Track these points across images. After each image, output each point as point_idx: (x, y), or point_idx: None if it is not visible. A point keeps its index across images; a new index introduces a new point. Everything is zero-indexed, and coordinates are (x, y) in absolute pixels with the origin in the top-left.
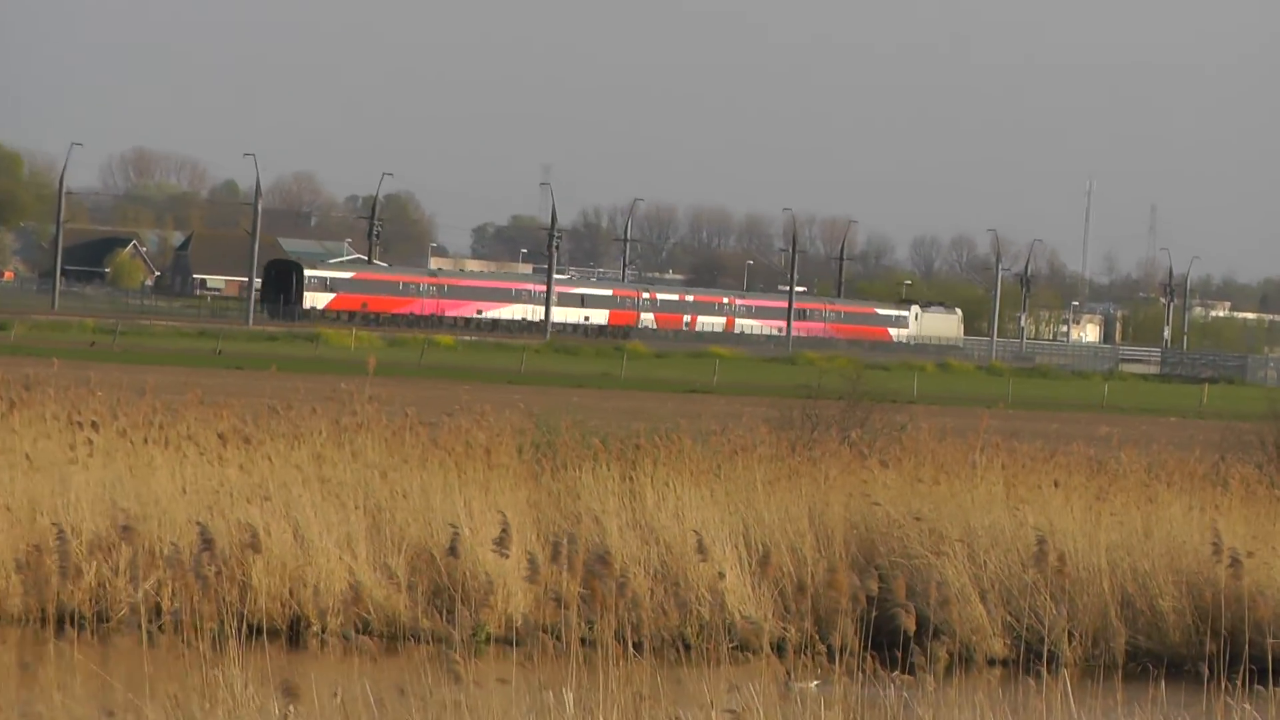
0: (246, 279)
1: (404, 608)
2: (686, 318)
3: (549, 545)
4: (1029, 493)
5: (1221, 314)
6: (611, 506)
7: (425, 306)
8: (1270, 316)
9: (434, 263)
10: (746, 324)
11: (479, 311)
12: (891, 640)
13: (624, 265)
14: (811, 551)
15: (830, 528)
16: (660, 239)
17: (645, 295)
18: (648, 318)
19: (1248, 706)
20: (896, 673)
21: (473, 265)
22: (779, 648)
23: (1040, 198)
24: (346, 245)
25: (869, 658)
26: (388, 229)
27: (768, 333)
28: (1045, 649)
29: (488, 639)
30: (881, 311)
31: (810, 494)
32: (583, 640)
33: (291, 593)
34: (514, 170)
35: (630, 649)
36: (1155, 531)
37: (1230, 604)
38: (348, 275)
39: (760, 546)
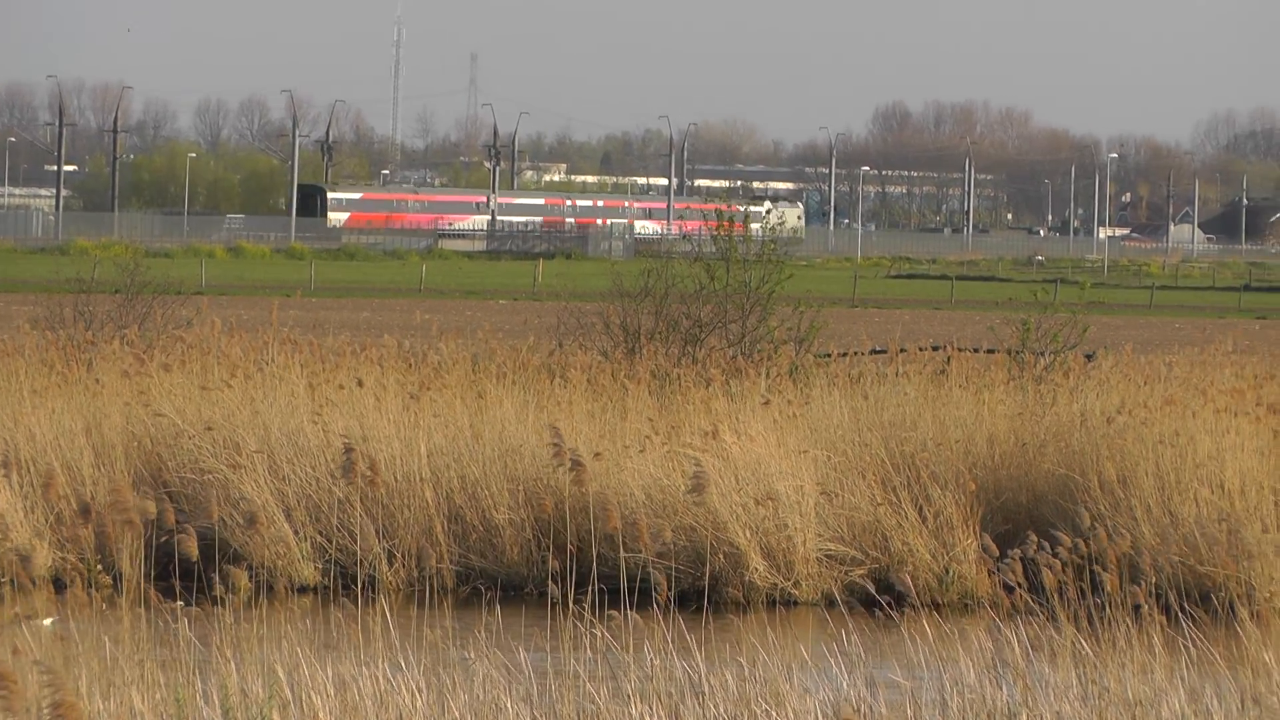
0: None
1: None
2: (599, 221)
3: None
4: (336, 394)
5: (558, 178)
6: None
7: (413, 221)
8: (613, 179)
9: None
10: (641, 225)
11: (450, 223)
12: (187, 568)
13: None
14: (91, 470)
15: (110, 442)
16: None
17: (569, 203)
18: (570, 223)
19: (601, 633)
20: (180, 603)
21: None
22: (58, 581)
23: (343, 52)
24: None
25: (152, 589)
26: None
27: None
28: (361, 573)
29: None
30: (741, 208)
31: (86, 404)
32: None
33: None
34: None
35: None
36: (486, 433)
37: (576, 515)
38: (358, 196)
39: (31, 465)
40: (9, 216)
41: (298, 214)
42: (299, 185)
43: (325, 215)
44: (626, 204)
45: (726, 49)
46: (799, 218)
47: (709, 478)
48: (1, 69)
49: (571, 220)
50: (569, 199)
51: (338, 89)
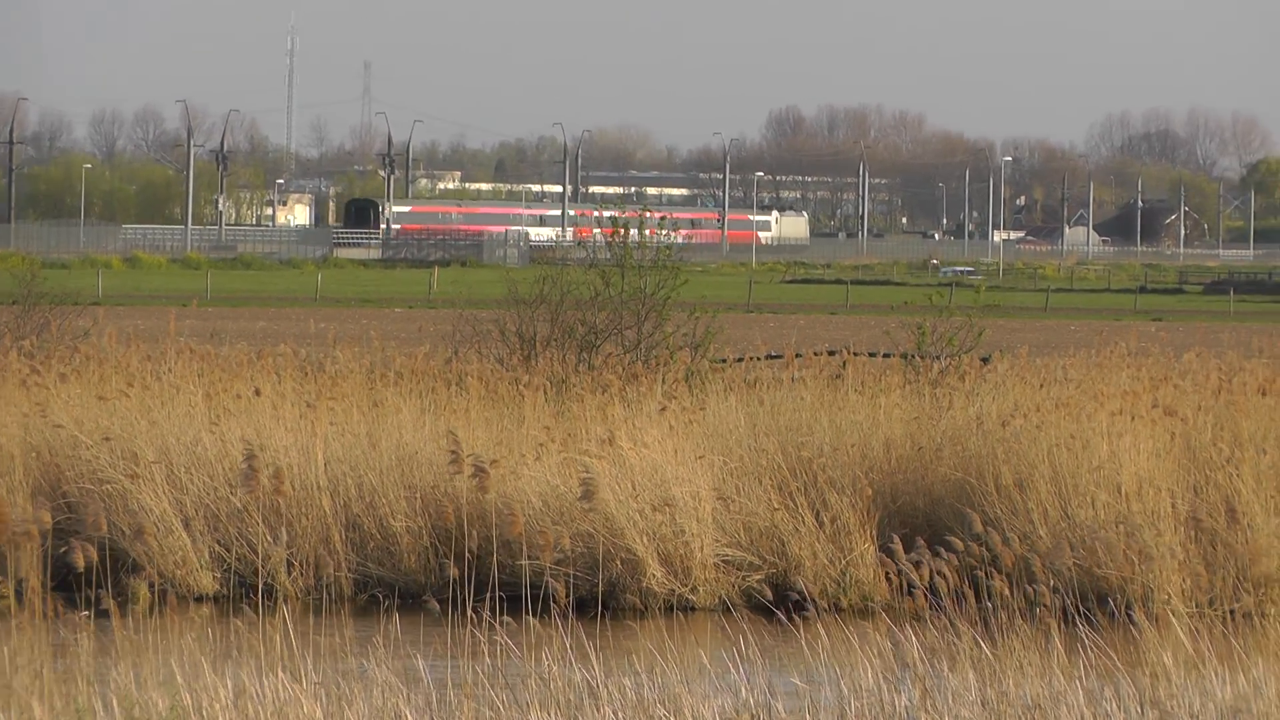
0: None
1: None
2: (602, 230)
3: None
4: (233, 403)
5: (452, 185)
6: None
7: (454, 229)
8: (508, 186)
9: None
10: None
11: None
12: (90, 578)
13: None
14: None
15: (9, 453)
16: None
17: (582, 213)
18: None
19: (500, 640)
20: (87, 613)
21: None
22: None
23: (237, 62)
24: None
25: (51, 599)
26: None
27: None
28: (259, 582)
29: None
30: (754, 218)
31: None
32: None
33: None
34: None
35: None
36: (383, 441)
37: (474, 522)
38: (407, 209)
39: None
40: None
41: (353, 225)
42: (353, 199)
43: (378, 227)
44: (648, 215)
45: (619, 55)
46: (806, 226)
47: (599, 484)
48: None
49: (596, 231)
50: (595, 210)
51: (232, 99)
